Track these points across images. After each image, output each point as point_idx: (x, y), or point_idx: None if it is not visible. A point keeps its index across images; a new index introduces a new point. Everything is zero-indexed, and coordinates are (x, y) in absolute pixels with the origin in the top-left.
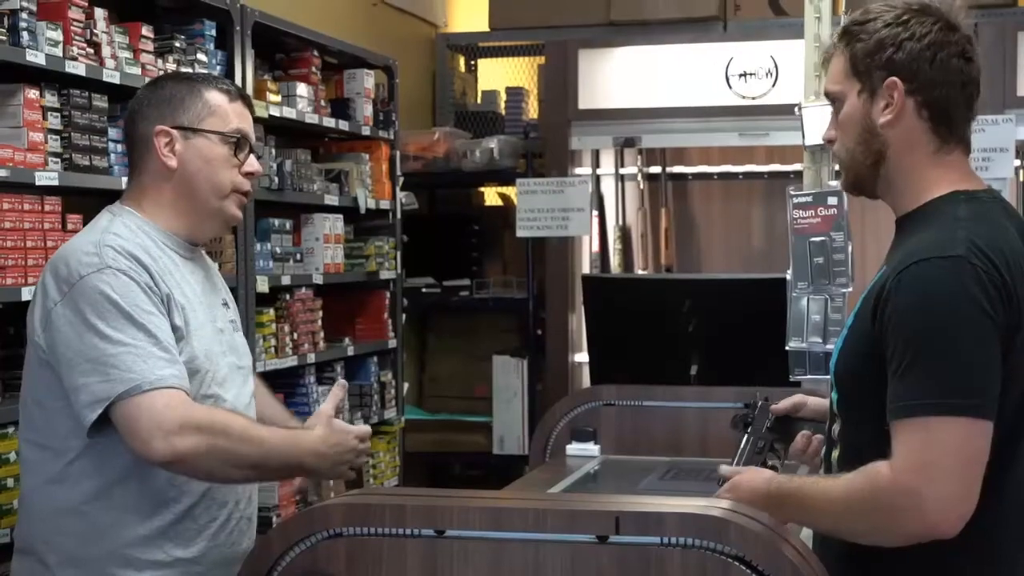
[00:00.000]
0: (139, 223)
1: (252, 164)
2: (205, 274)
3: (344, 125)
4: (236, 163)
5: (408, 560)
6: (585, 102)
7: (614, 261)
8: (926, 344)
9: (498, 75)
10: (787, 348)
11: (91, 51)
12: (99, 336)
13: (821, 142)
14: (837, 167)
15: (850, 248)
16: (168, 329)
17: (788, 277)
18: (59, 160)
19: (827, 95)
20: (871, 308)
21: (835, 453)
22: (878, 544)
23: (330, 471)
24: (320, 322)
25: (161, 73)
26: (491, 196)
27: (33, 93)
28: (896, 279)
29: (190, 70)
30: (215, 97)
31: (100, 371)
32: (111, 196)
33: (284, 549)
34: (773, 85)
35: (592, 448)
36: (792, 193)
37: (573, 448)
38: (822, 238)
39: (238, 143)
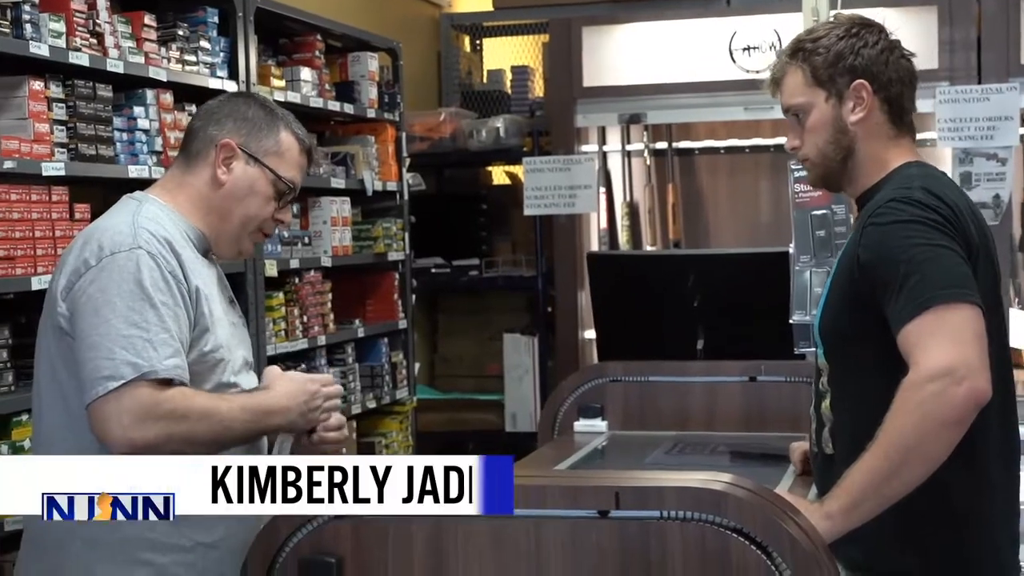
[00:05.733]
0: (167, 213)
1: (286, 214)
2: (217, 272)
3: (349, 108)
4: (274, 207)
5: (413, 538)
6: (590, 79)
7: (622, 237)
8: (908, 259)
9: (503, 54)
10: (791, 321)
11: (94, 41)
12: (115, 314)
13: None
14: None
15: (851, 220)
16: (184, 321)
17: (791, 251)
18: (65, 150)
19: (788, 108)
20: (848, 262)
21: (825, 403)
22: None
23: (302, 421)
24: (330, 304)
25: (165, 61)
26: (498, 175)
27: (38, 84)
28: (867, 226)
29: (193, 59)
30: (289, 140)
31: (107, 348)
32: (117, 185)
33: (291, 531)
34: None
35: (599, 424)
36: (793, 167)
37: (581, 424)
38: (823, 211)
39: (285, 191)
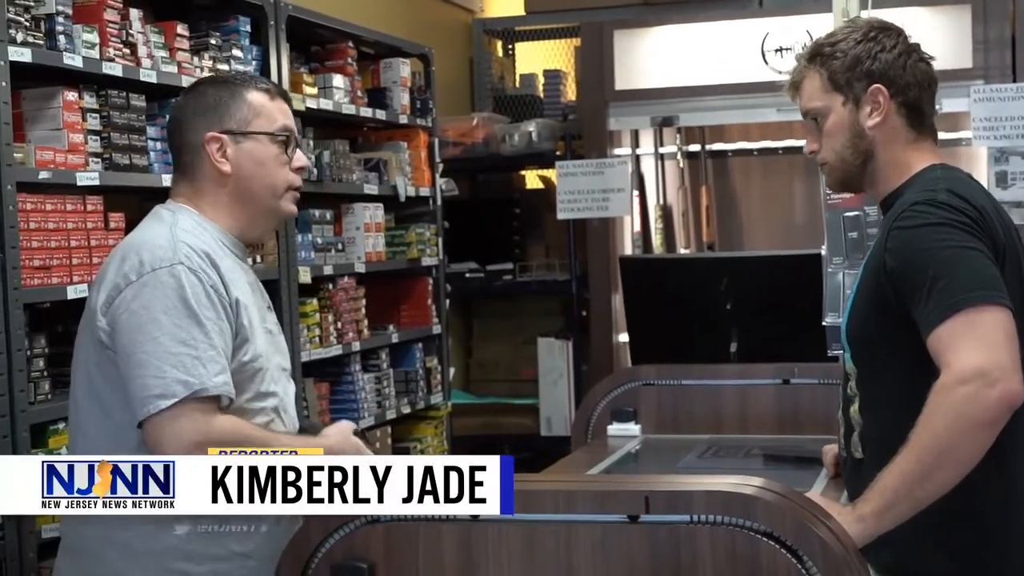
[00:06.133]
0: (200, 222)
1: (300, 159)
2: (254, 277)
3: (381, 114)
4: (286, 160)
5: (444, 544)
6: (622, 83)
7: (656, 240)
8: (936, 262)
9: (536, 58)
10: (824, 323)
11: (127, 51)
12: (162, 331)
13: None
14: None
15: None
16: (227, 334)
17: (823, 252)
18: (100, 160)
19: (806, 113)
20: (875, 266)
21: (853, 407)
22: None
23: None
24: (364, 310)
25: (198, 70)
26: (531, 179)
27: (72, 95)
28: (893, 229)
29: (226, 67)
30: (257, 98)
31: (156, 365)
32: (152, 194)
33: (323, 536)
34: None
35: (632, 428)
36: None
37: (614, 428)
38: (856, 212)
39: (286, 141)
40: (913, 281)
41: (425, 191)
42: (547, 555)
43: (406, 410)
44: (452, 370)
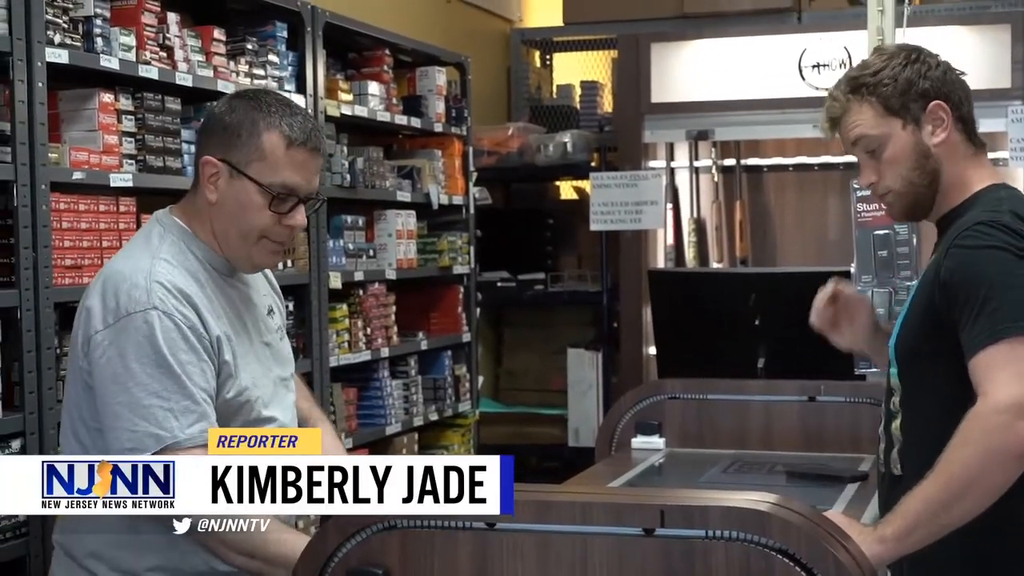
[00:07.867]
0: (187, 240)
1: (295, 219)
2: (246, 290)
3: (416, 122)
4: (270, 214)
5: (459, 552)
6: (658, 95)
7: (689, 254)
8: (990, 285)
9: (573, 69)
10: None
11: (164, 55)
12: (135, 381)
13: None
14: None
15: (914, 241)
16: (210, 372)
17: (852, 270)
18: (133, 162)
19: (857, 142)
20: (930, 282)
21: (895, 423)
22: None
23: None
24: (393, 317)
25: (233, 75)
26: (566, 190)
27: (108, 97)
28: (953, 247)
29: (262, 72)
30: (272, 141)
31: (128, 418)
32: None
33: (339, 542)
34: None
35: (657, 441)
36: (855, 186)
37: (638, 441)
38: (886, 231)
39: (277, 196)
40: (964, 301)
41: (458, 199)
42: (562, 566)
43: (433, 417)
44: (481, 378)
